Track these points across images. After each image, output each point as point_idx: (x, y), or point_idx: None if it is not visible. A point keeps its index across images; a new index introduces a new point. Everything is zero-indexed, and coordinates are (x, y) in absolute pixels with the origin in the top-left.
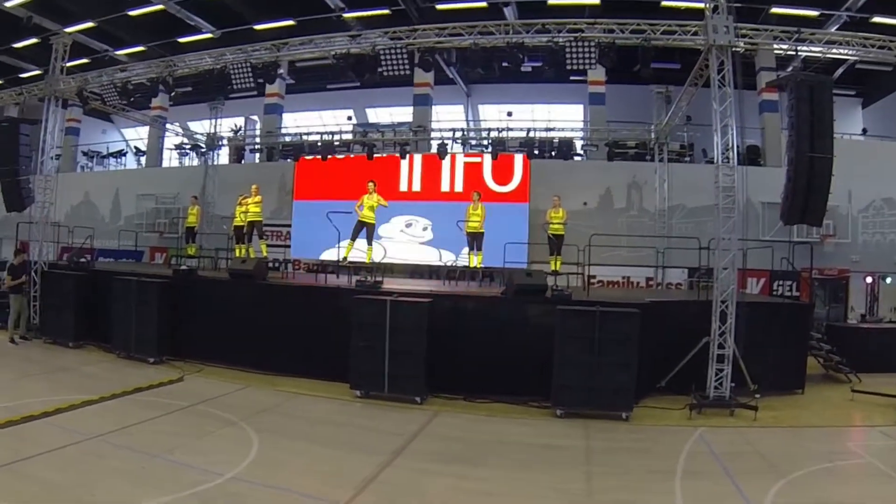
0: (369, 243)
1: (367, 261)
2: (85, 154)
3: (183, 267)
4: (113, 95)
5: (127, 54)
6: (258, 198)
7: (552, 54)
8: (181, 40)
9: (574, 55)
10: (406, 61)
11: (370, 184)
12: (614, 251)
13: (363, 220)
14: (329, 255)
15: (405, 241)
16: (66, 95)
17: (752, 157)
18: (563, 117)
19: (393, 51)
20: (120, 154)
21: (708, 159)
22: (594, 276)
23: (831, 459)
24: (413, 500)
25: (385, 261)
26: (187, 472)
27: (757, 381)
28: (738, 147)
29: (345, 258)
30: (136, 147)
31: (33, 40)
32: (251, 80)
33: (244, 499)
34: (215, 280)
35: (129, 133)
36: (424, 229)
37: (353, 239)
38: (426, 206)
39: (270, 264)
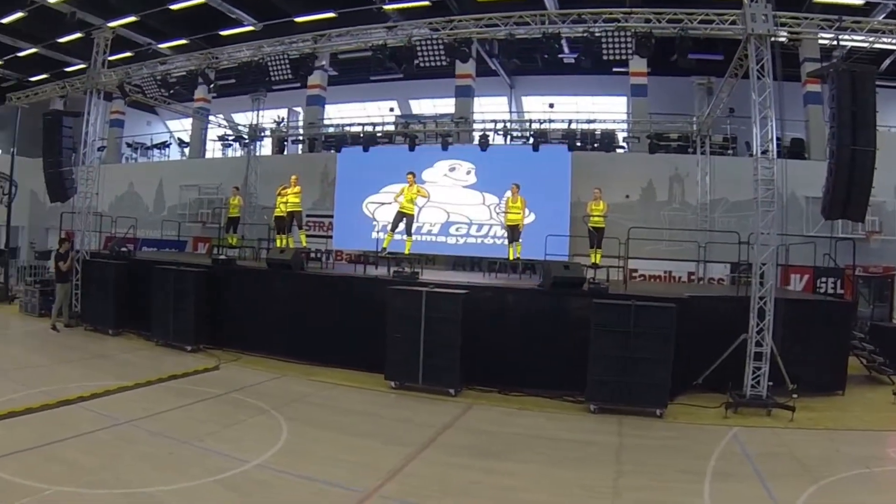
0: (408, 234)
1: (405, 252)
2: (129, 145)
3: (221, 256)
4: (153, 88)
5: (170, 47)
6: (298, 188)
7: (588, 45)
8: (223, 33)
9: (610, 45)
10: (442, 52)
11: (409, 175)
12: (656, 245)
13: (403, 210)
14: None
15: (449, 184)
16: (108, 88)
17: (796, 150)
18: (606, 109)
19: (429, 42)
20: (164, 145)
21: (751, 152)
22: (636, 270)
23: (868, 465)
24: (436, 493)
25: (426, 252)
26: (214, 458)
27: (796, 381)
28: (778, 139)
29: (384, 249)
30: (179, 138)
31: (77, 35)
32: (289, 72)
33: (268, 486)
34: (253, 270)
35: (174, 124)
36: (468, 173)
37: (393, 230)
38: (470, 150)
39: (312, 254)
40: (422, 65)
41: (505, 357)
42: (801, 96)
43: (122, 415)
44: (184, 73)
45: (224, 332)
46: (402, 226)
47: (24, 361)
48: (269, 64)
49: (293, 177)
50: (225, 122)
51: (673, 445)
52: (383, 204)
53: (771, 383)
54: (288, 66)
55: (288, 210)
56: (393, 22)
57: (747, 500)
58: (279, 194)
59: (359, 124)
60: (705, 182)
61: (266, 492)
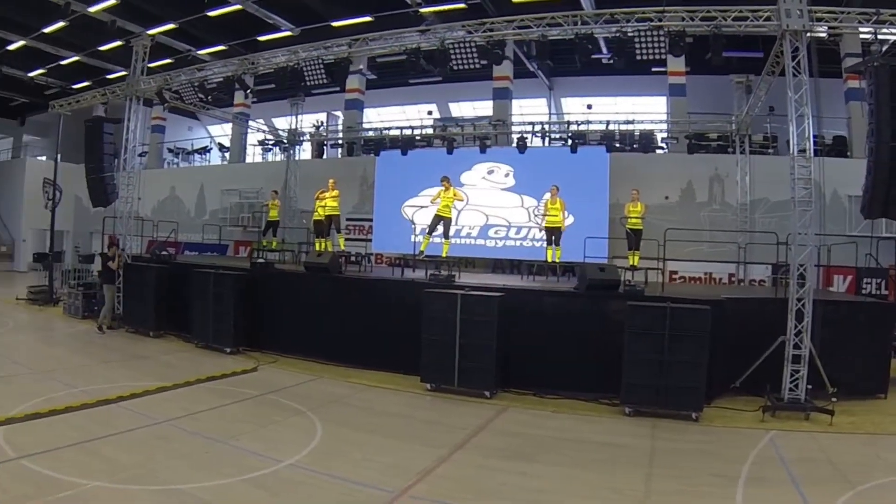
0: (446, 237)
1: (443, 255)
2: (170, 150)
3: (259, 260)
4: (191, 94)
5: (209, 53)
6: (335, 192)
7: (622, 45)
8: (261, 39)
9: (644, 45)
10: (475, 55)
11: (444, 180)
12: (696, 246)
13: (440, 214)
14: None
15: (487, 187)
16: (147, 95)
17: (838, 148)
18: (646, 109)
19: (463, 45)
20: (204, 150)
21: None
22: (675, 272)
23: None
24: (465, 495)
25: (465, 255)
26: (248, 457)
27: (836, 384)
28: (819, 137)
29: (421, 252)
30: (219, 143)
31: (117, 43)
32: (324, 76)
33: (297, 485)
34: (291, 273)
35: (215, 129)
36: (506, 175)
37: (430, 233)
38: (508, 153)
39: (352, 258)
40: (455, 67)
41: (541, 360)
42: (842, 93)
43: (159, 414)
44: (221, 79)
45: (263, 335)
46: (439, 229)
47: (66, 362)
48: (305, 68)
49: (331, 181)
50: (264, 127)
51: (707, 449)
52: (422, 207)
53: (810, 386)
54: (323, 70)
55: (326, 214)
56: (427, 25)
57: None
58: (317, 198)
59: (397, 128)
60: (745, 182)
61: (295, 491)
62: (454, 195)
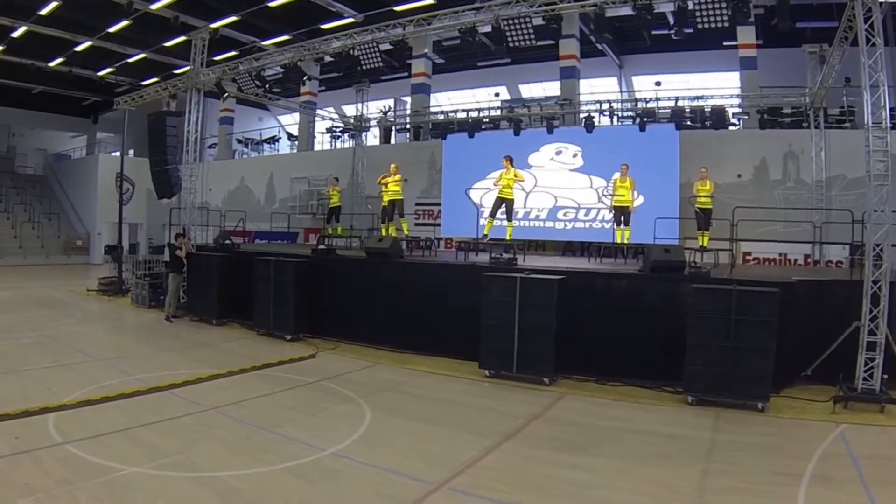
0: (509, 219)
1: (507, 238)
2: (240, 141)
3: (321, 247)
4: (249, 84)
5: (273, 44)
6: (398, 176)
7: (682, 15)
8: (324, 27)
9: (706, 14)
10: (531, 32)
11: (505, 160)
12: (771, 226)
13: (502, 196)
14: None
15: (555, 168)
16: (207, 87)
17: None
18: (719, 85)
19: (518, 21)
20: (273, 140)
21: None
22: (749, 253)
23: None
24: (507, 487)
25: (535, 237)
26: (290, 445)
27: None
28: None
29: (485, 235)
30: (288, 132)
31: (181, 38)
32: (379, 60)
33: (336, 474)
34: (352, 259)
35: (285, 119)
36: (574, 156)
37: (493, 215)
38: (575, 133)
39: (422, 243)
40: (512, 45)
41: (603, 345)
42: None
43: (209, 401)
44: (279, 68)
45: (324, 322)
46: (502, 210)
47: (127, 350)
48: (361, 54)
49: (393, 165)
50: (332, 115)
51: (771, 443)
52: (489, 190)
53: (886, 376)
54: (379, 54)
55: (389, 199)
56: (482, 3)
57: None
58: (380, 183)
59: (463, 110)
60: (820, 158)
61: (332, 480)
62: (515, 176)
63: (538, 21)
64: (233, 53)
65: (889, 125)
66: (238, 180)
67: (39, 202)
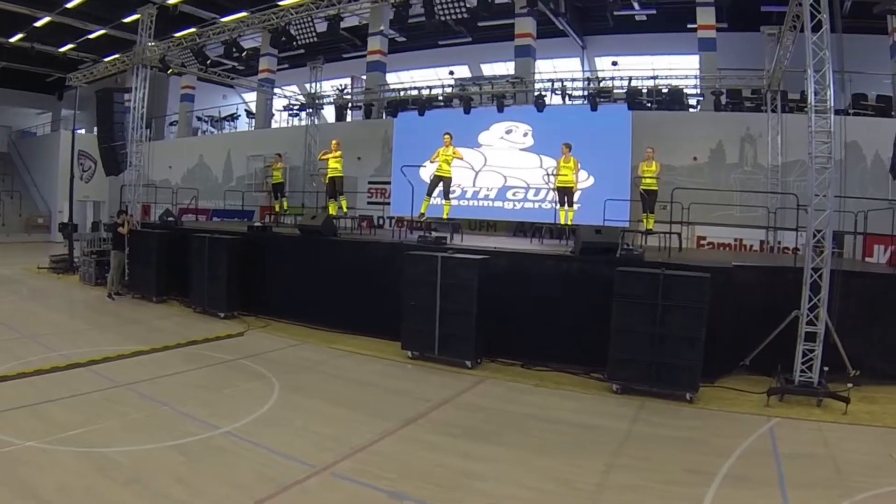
0: (446, 198)
1: (444, 216)
2: (200, 119)
3: (256, 224)
4: (192, 60)
5: (235, 20)
6: (338, 153)
7: None
8: (281, 3)
9: None
10: (463, 4)
11: (446, 136)
12: (725, 210)
13: (439, 174)
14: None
15: (505, 147)
16: (151, 63)
17: (882, 107)
18: (681, 68)
19: None
20: (232, 117)
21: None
22: (703, 238)
23: None
24: (391, 475)
25: (483, 217)
26: (186, 422)
27: (858, 367)
28: (861, 95)
29: (422, 214)
30: (247, 110)
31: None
32: (314, 35)
33: (221, 453)
34: (287, 237)
35: (249, 97)
36: (525, 135)
37: (430, 194)
38: (526, 112)
39: (376, 223)
40: (441, 18)
41: (530, 329)
42: (888, 49)
43: (122, 378)
44: (219, 45)
45: (258, 299)
46: (439, 188)
47: (61, 326)
48: (292, 27)
49: (334, 141)
50: (287, 93)
51: (691, 437)
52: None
53: (826, 368)
54: (314, 30)
55: (329, 176)
56: None
57: None
58: (321, 159)
59: (415, 88)
60: (777, 142)
61: (215, 459)
62: (454, 153)
63: None
64: (192, 30)
65: (833, 105)
66: (197, 158)
67: (1, 180)
